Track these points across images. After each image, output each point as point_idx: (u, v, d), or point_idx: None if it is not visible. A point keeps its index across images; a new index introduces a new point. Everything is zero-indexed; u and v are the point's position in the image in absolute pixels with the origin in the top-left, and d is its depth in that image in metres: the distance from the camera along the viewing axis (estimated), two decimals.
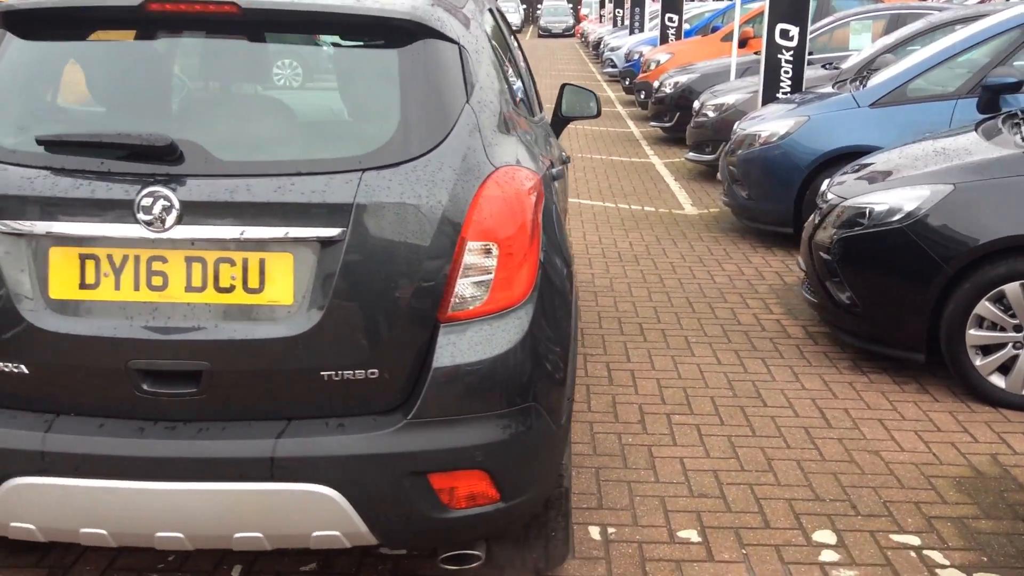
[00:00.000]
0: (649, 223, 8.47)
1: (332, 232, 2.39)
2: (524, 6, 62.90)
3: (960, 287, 4.46)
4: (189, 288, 2.41)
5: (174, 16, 2.54)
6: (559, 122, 4.87)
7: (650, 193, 9.87)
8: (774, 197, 7.36)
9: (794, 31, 9.17)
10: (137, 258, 2.41)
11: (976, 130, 5.20)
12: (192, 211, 2.37)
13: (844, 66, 9.85)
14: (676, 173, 11.04)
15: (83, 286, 2.42)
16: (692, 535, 3.42)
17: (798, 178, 7.17)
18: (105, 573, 3.17)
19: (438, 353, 2.46)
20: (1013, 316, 4.38)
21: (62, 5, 2.56)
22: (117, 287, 2.41)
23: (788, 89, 9.25)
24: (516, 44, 4.45)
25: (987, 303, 4.40)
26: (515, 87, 3.54)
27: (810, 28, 9.65)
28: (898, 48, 9.29)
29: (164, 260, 2.41)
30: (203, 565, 3.23)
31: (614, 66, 22.71)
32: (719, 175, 8.28)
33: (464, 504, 2.51)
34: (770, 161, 7.38)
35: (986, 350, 4.48)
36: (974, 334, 4.45)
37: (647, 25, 24.41)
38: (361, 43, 2.64)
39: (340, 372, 2.45)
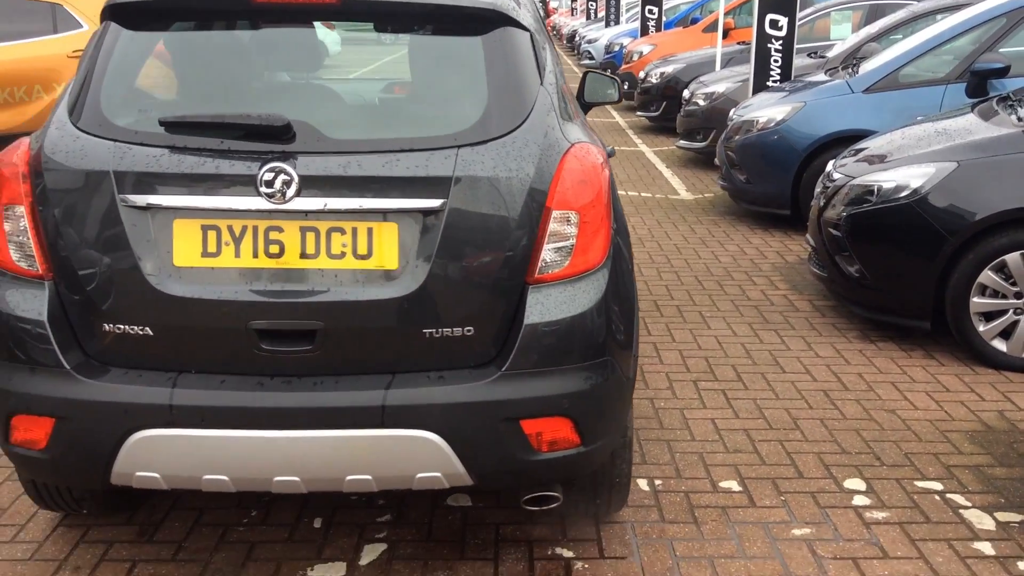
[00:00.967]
0: (648, 208, 8.76)
1: (433, 203, 2.64)
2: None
3: (964, 258, 4.77)
4: (303, 255, 2.65)
5: (279, 7, 2.78)
6: (582, 107, 5.13)
7: (644, 180, 10.16)
8: (772, 180, 7.67)
9: (783, 21, 9.48)
10: (256, 228, 2.64)
11: (973, 111, 5.52)
12: (309, 184, 2.61)
13: (830, 54, 10.19)
14: (667, 160, 11.34)
15: (205, 254, 2.65)
16: (733, 485, 3.70)
17: (795, 161, 7.48)
18: (193, 529, 3.40)
19: (528, 312, 2.71)
20: (1014, 284, 4.70)
21: None
22: (237, 255, 2.65)
23: (778, 77, 9.57)
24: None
25: (989, 272, 4.71)
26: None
27: None
28: (882, 37, 9.63)
29: (280, 230, 2.64)
30: (285, 518, 3.47)
31: (591, 58, 23.02)
32: (716, 160, 8.58)
33: (549, 448, 2.77)
34: (768, 146, 7.68)
35: (988, 316, 4.79)
36: (977, 301, 4.77)
37: (623, 17, 24.75)
38: (448, 31, 2.88)
39: (440, 329, 2.70)
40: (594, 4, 31.14)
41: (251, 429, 2.65)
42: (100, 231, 2.65)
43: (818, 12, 12.43)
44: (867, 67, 7.49)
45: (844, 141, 7.04)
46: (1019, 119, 5.01)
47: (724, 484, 3.71)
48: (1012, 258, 4.68)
